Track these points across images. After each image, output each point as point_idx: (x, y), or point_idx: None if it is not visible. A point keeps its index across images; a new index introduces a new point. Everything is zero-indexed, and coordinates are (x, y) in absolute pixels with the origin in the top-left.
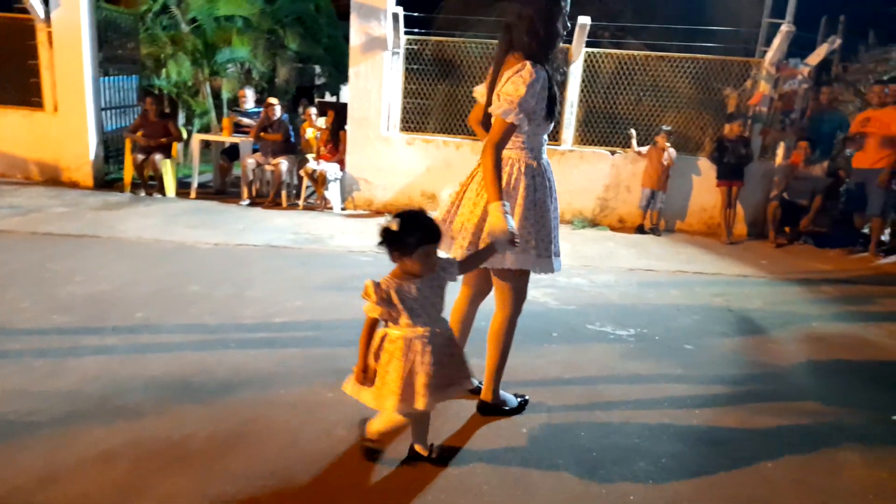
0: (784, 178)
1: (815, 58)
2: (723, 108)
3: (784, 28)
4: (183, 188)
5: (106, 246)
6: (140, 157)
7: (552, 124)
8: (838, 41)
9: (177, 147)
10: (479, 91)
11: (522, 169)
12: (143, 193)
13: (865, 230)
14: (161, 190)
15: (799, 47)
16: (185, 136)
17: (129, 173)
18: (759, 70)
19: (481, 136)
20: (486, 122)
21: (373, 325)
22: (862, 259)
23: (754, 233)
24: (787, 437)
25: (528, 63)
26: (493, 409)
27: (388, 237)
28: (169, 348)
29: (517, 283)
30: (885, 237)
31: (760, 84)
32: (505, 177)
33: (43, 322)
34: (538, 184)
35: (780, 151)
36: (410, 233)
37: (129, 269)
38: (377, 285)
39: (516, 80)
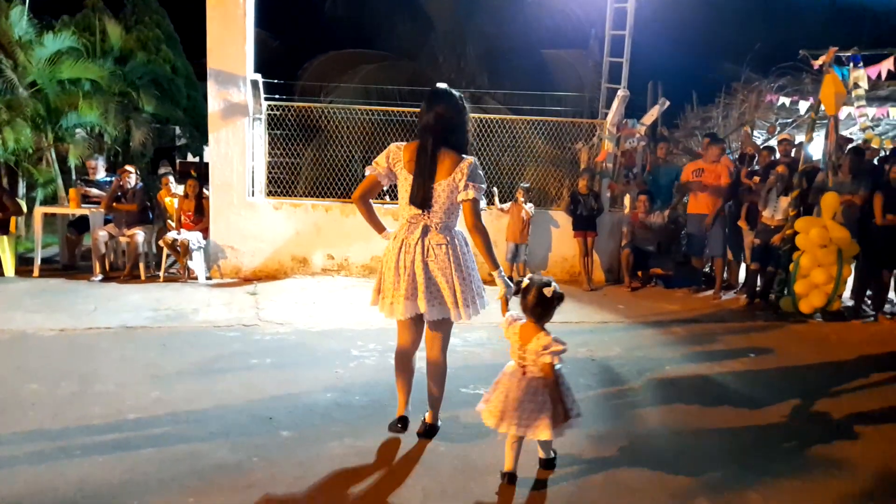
0: (630, 227)
1: (649, 118)
2: (575, 164)
3: (620, 93)
4: (25, 265)
5: None
6: None
7: None
8: (667, 103)
9: (16, 221)
10: (381, 170)
11: (467, 239)
12: None
13: (706, 270)
14: None
15: (635, 108)
16: (25, 208)
17: None
18: (602, 130)
19: (364, 213)
20: (425, 203)
21: None
22: (705, 298)
23: (611, 278)
24: (651, 493)
25: (472, 158)
26: (435, 430)
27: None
28: (1, 465)
29: (450, 330)
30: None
31: (605, 143)
32: (459, 246)
33: None
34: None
35: (627, 202)
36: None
37: None
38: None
39: (478, 173)
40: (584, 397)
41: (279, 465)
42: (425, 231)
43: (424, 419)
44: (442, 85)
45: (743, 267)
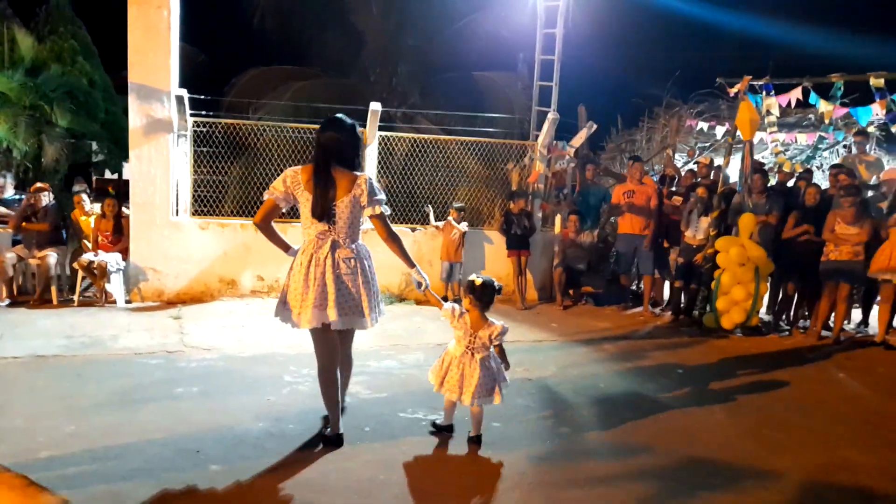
0: (562, 246)
1: (578, 140)
2: (507, 184)
3: (550, 116)
4: None
5: None
6: None
7: None
8: (594, 126)
9: None
10: (280, 193)
11: (368, 251)
12: None
13: (633, 287)
14: None
15: (565, 131)
16: None
17: None
18: (533, 151)
19: (268, 235)
20: (326, 217)
21: None
22: (634, 315)
23: (544, 297)
24: None
25: (366, 174)
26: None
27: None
28: None
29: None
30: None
31: (536, 164)
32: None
33: None
34: None
35: (558, 222)
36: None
37: None
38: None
39: (376, 187)
40: (523, 419)
41: (208, 502)
42: (334, 246)
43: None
44: (340, 115)
45: (667, 284)
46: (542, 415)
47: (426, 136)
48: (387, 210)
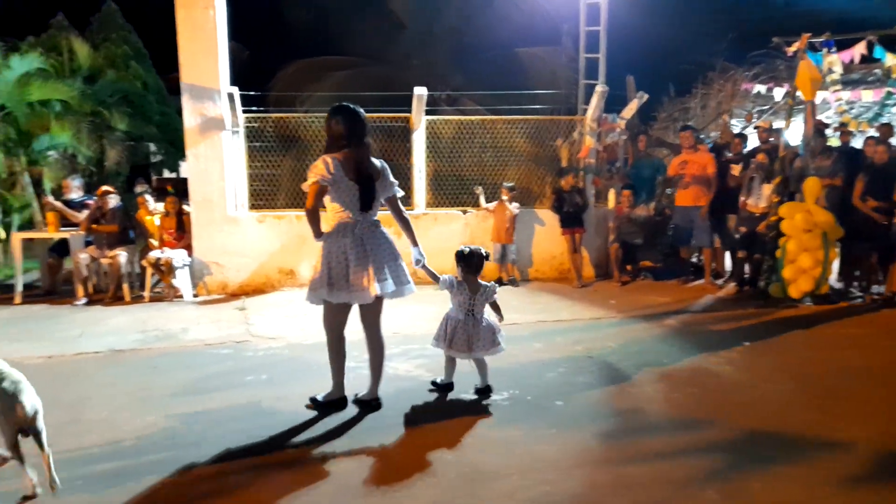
0: (616, 221)
1: (628, 112)
2: (557, 161)
3: (598, 88)
4: (5, 293)
5: None
6: None
7: None
8: (645, 96)
9: None
10: (329, 178)
11: None
12: None
13: (693, 260)
14: None
15: (614, 103)
16: (2, 235)
17: None
18: (582, 126)
19: (317, 221)
20: (374, 204)
21: None
22: (695, 288)
23: (601, 274)
24: (658, 488)
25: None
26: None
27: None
28: None
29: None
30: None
31: (586, 139)
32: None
33: None
34: None
35: (611, 197)
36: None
37: None
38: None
39: (390, 171)
40: (584, 397)
41: (285, 484)
42: (374, 224)
43: (365, 396)
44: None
45: (729, 255)
46: (603, 392)
47: (473, 118)
48: (400, 192)
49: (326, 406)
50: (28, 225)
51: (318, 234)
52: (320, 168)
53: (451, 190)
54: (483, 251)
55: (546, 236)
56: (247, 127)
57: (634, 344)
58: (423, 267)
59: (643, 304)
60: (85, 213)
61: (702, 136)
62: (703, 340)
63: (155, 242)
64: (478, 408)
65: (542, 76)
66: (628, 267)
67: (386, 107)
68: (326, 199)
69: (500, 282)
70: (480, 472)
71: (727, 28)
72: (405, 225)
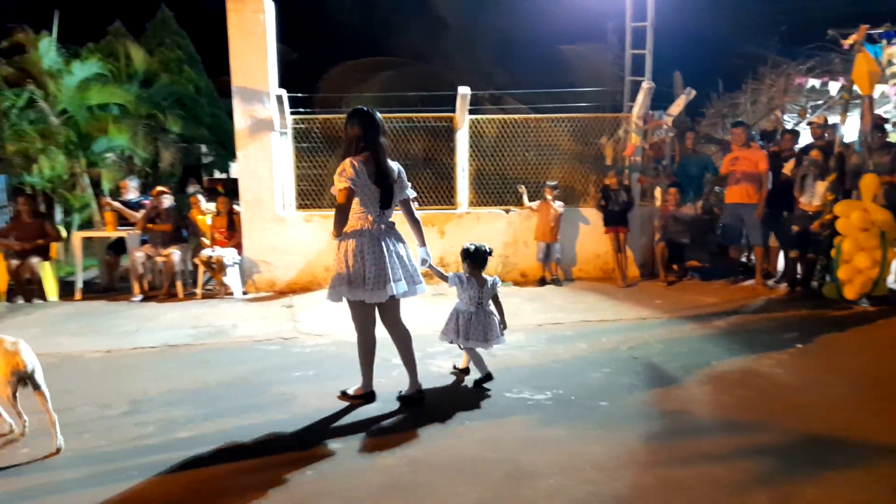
0: (663, 220)
1: (675, 108)
2: (601, 160)
3: (645, 85)
4: (67, 289)
5: None
6: (14, 262)
7: None
8: (693, 92)
9: (55, 247)
10: (358, 181)
11: None
12: (21, 301)
13: (743, 260)
14: (41, 295)
15: (661, 100)
16: (64, 234)
17: (3, 281)
18: (628, 123)
19: (343, 219)
20: (393, 205)
21: None
22: (744, 288)
23: (646, 273)
24: (706, 491)
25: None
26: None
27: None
28: (62, 489)
29: None
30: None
31: (631, 136)
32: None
33: None
34: None
35: (658, 195)
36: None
37: None
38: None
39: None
40: (629, 398)
41: (332, 479)
42: (390, 226)
43: (408, 391)
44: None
45: (781, 255)
46: (649, 393)
47: (516, 116)
48: (412, 194)
49: (355, 399)
50: (87, 224)
51: (339, 233)
52: (349, 171)
53: (494, 189)
54: (487, 247)
55: (590, 235)
56: (294, 128)
57: (681, 345)
58: (430, 266)
59: (690, 305)
60: (141, 213)
61: (752, 133)
62: (753, 342)
63: (207, 241)
64: (521, 407)
65: (586, 74)
66: (674, 266)
67: (430, 106)
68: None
69: (543, 281)
70: (524, 472)
71: (779, 21)
72: (416, 226)
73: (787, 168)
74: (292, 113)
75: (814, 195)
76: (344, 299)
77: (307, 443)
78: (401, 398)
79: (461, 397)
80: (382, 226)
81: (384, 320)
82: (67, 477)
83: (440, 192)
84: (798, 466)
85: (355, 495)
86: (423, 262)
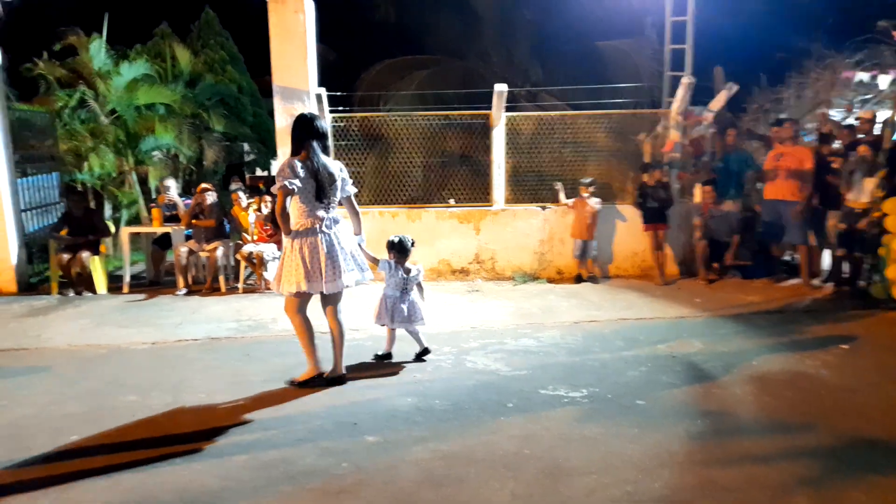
0: (703, 217)
1: (716, 104)
2: (639, 156)
3: (685, 80)
4: (115, 282)
5: (33, 359)
6: (66, 256)
7: None
8: (735, 87)
9: (105, 241)
10: (298, 182)
11: None
12: (71, 293)
13: (786, 258)
14: (91, 288)
15: (702, 95)
16: (112, 229)
17: (55, 274)
18: (667, 119)
19: (287, 222)
20: (333, 200)
21: None
22: (788, 287)
23: (685, 271)
24: (748, 492)
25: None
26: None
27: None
28: (107, 474)
29: None
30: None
31: (671, 132)
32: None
33: None
34: None
35: (697, 192)
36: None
37: (58, 384)
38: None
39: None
40: (668, 397)
41: (367, 471)
42: (334, 221)
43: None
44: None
45: (826, 253)
46: (688, 392)
47: (552, 114)
48: (354, 190)
49: (306, 384)
50: (135, 220)
51: (287, 231)
52: (287, 172)
53: (530, 186)
54: (410, 239)
55: (627, 233)
56: (333, 126)
57: (722, 344)
58: (364, 250)
59: (731, 303)
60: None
61: (796, 129)
62: (797, 342)
63: (248, 237)
64: (557, 404)
65: (624, 69)
66: (715, 265)
67: (466, 103)
68: (294, 198)
69: (579, 278)
70: (560, 469)
71: (825, 12)
72: (356, 218)
73: (838, 163)
74: (331, 111)
75: (861, 192)
76: (283, 291)
77: (343, 436)
78: (326, 380)
79: (496, 393)
80: (330, 221)
81: (326, 309)
82: (111, 462)
83: (476, 189)
84: (844, 470)
85: (391, 488)
86: (359, 245)
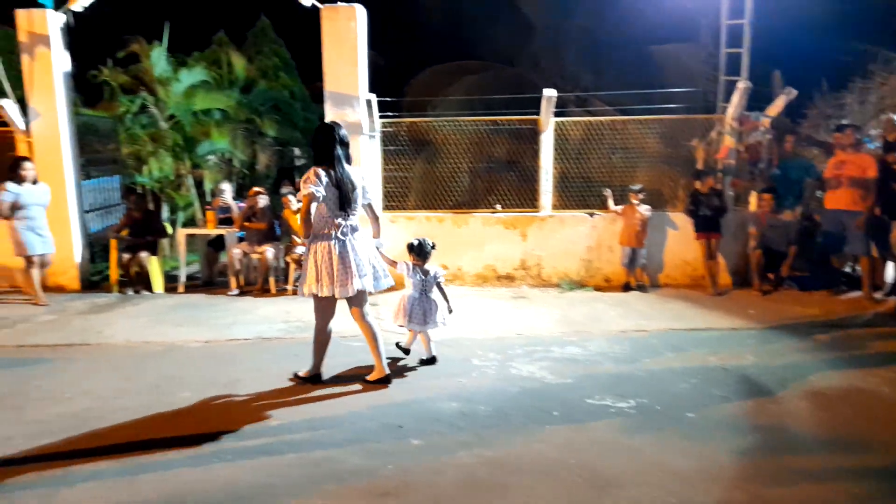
0: (758, 226)
1: (774, 109)
2: (691, 163)
3: (741, 85)
4: (171, 281)
5: (94, 354)
6: (126, 255)
7: None
8: (794, 92)
9: (162, 243)
10: (323, 189)
11: None
12: (130, 292)
13: (847, 269)
14: (149, 287)
15: (758, 100)
16: (170, 230)
17: (115, 273)
18: (722, 125)
19: (309, 228)
20: (354, 208)
21: None
22: (848, 300)
23: (738, 281)
24: None
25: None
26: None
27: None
28: (163, 467)
29: None
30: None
31: (725, 138)
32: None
33: (31, 450)
34: None
35: (753, 200)
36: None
37: (118, 379)
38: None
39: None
40: (719, 410)
41: (411, 473)
42: (352, 229)
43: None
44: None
45: (890, 265)
46: (740, 406)
47: (601, 119)
48: (372, 199)
49: (305, 380)
50: (191, 222)
51: (307, 235)
52: (312, 178)
53: (578, 192)
54: (430, 242)
55: (678, 241)
56: (382, 131)
57: (776, 357)
58: (382, 254)
59: (786, 316)
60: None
61: (861, 136)
62: (857, 357)
63: (298, 240)
64: (603, 414)
65: (676, 74)
66: (770, 275)
67: (515, 109)
68: (319, 205)
69: (627, 287)
70: (604, 479)
71: (890, 15)
72: (376, 223)
73: None
74: (381, 116)
75: None
76: (303, 293)
77: (388, 438)
78: (366, 382)
79: (541, 400)
80: (347, 228)
81: (352, 312)
82: (166, 457)
83: (523, 195)
84: None
85: (434, 491)
86: (377, 248)
